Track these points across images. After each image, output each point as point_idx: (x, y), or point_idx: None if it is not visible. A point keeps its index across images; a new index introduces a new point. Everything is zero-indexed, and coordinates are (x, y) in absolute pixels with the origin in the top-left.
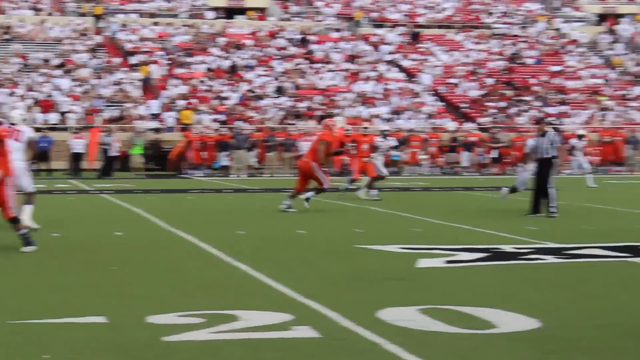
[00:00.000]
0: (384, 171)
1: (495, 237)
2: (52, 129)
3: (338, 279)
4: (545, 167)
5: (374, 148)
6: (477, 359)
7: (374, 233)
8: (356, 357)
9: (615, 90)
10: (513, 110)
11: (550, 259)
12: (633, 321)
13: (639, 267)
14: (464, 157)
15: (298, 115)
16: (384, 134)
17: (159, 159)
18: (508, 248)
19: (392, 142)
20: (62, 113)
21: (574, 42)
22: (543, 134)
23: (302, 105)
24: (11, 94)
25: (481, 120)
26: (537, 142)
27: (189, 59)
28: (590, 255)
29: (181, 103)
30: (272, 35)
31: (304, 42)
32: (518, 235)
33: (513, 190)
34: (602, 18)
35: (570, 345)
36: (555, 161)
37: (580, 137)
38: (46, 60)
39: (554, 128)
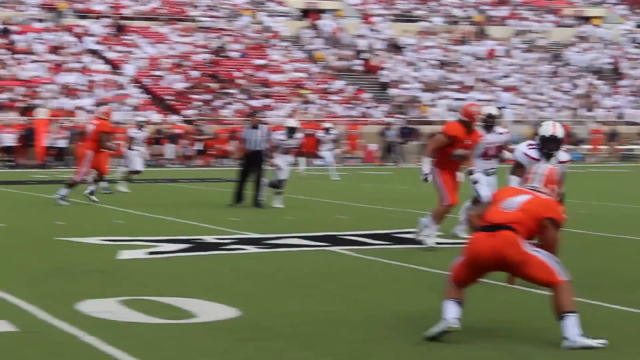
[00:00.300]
0: (138, 166)
1: (198, 228)
2: None
3: (36, 272)
4: (255, 159)
5: (130, 140)
6: (175, 348)
7: (75, 225)
8: (53, 350)
9: (317, 84)
10: (218, 103)
11: (251, 249)
12: (327, 307)
13: (335, 256)
14: (169, 150)
15: None
16: (140, 125)
17: None
18: (210, 239)
19: (146, 133)
20: None
21: (277, 36)
22: (255, 126)
23: (4, 97)
24: None
25: (186, 112)
26: (248, 135)
27: None
28: (290, 245)
29: None
30: None
31: (5, 33)
32: (220, 226)
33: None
34: (305, 13)
35: (267, 333)
36: (266, 154)
37: (327, 130)
38: None
39: (263, 122)
